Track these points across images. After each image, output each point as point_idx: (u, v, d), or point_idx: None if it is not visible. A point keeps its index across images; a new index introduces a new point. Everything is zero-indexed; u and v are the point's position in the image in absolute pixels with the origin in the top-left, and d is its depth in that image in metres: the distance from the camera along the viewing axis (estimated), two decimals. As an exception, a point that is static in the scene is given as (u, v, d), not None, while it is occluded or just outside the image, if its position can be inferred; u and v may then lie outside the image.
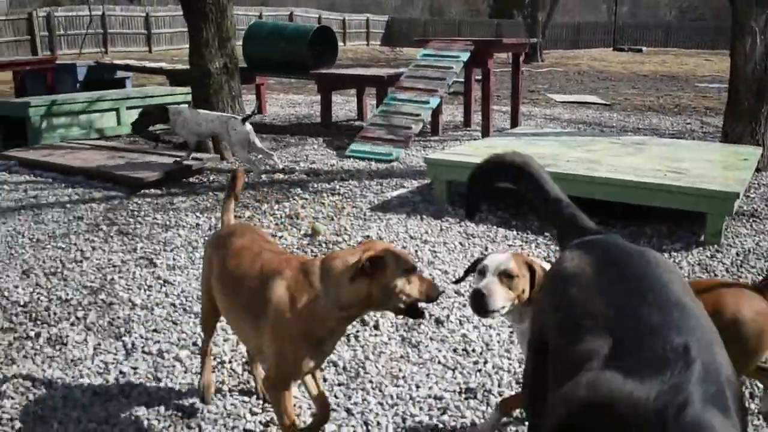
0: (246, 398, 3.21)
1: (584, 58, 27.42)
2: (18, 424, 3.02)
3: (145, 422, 3.02)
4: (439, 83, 9.14)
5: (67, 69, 12.76)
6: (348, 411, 3.11)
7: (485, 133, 9.57)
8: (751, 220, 5.85)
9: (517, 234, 5.43)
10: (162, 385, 3.32)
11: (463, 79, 10.94)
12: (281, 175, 7.21)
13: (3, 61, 14.00)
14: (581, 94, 15.88)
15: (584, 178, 5.60)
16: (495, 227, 5.58)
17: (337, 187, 6.79)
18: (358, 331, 3.84)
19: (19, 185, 7.13)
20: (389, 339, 3.78)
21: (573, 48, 35.21)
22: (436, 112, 9.67)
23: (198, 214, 5.95)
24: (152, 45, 30.06)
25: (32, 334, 3.84)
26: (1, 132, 9.17)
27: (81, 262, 4.91)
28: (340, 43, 24.75)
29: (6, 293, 4.40)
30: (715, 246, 5.14)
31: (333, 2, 55.28)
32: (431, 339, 3.78)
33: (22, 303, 4.24)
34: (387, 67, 14.47)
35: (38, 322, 3.99)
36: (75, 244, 5.26)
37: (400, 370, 3.46)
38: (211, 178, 7.14)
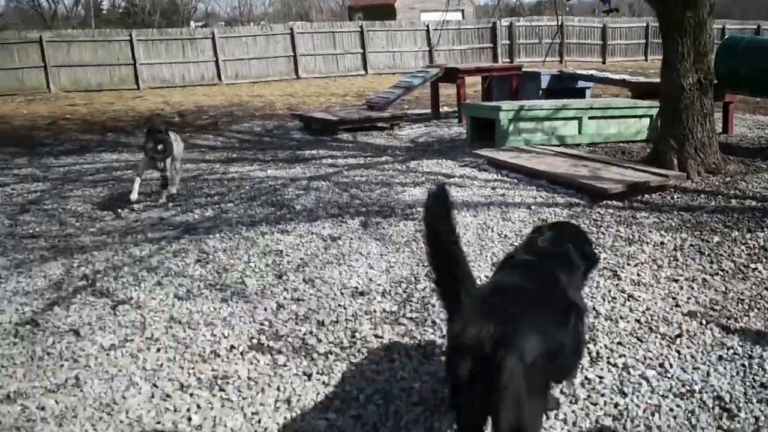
0: (722, 434, 3.05)
1: None
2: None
3: (616, 434, 3.04)
4: None
5: (531, 76, 13.40)
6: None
7: None
8: None
9: None
10: (627, 400, 3.31)
11: None
12: (752, 202, 6.72)
13: (474, 67, 15.15)
14: None
15: None
16: None
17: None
18: None
19: (488, 183, 7.66)
20: None
21: None
22: None
23: (663, 232, 5.80)
24: (606, 55, 30.20)
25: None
26: (473, 131, 9.96)
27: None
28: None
29: (478, 281, 4.75)
30: None
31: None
32: None
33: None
34: None
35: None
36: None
37: None
38: (675, 197, 6.92)
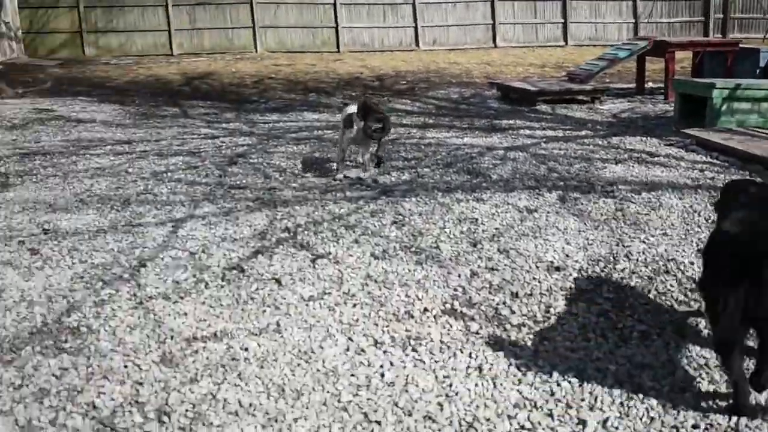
0: None
1: None
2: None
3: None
4: None
5: (748, 53, 12.47)
6: None
7: None
8: None
9: None
10: None
11: None
12: None
13: (686, 41, 14.31)
14: None
15: None
16: None
17: None
18: None
19: (695, 164, 7.24)
20: None
21: None
22: None
23: None
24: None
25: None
26: (682, 109, 9.43)
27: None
28: None
29: (682, 267, 4.50)
30: None
31: None
32: None
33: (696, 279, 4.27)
34: None
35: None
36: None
37: None
38: None
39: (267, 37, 23.19)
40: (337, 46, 23.44)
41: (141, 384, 3.22)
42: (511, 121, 9.97)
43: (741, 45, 13.26)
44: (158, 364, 3.41)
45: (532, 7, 24.95)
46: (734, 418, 2.91)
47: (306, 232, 5.27)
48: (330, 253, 4.85)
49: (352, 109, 6.93)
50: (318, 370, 3.36)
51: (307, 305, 4.06)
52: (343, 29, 23.60)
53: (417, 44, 24.09)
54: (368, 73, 16.78)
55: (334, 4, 23.46)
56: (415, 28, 24.14)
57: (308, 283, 4.36)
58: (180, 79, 15.52)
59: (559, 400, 3.09)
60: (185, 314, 3.94)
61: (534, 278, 4.42)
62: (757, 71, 12.06)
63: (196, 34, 22.54)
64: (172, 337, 3.66)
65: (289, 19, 23.36)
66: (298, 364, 3.41)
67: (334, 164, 7.13)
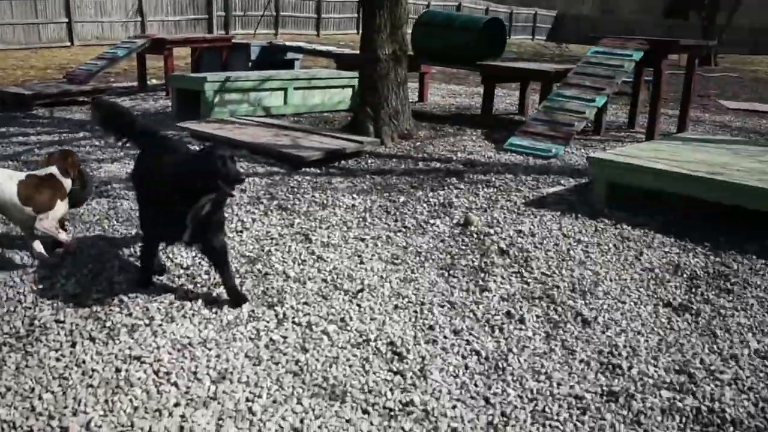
0: (389, 377, 3.28)
1: (761, 64, 25.84)
2: (174, 378, 3.23)
3: (290, 389, 3.15)
4: (607, 81, 8.91)
5: (241, 48, 13.36)
6: (486, 400, 3.13)
7: (650, 135, 9.25)
8: None
9: (675, 241, 5.23)
10: (308, 355, 3.45)
11: (630, 79, 10.59)
12: (437, 164, 7.27)
13: (182, 38, 14.80)
14: (755, 102, 14.99)
15: (754, 189, 5.30)
16: (652, 232, 5.39)
17: (493, 179, 6.77)
18: (503, 323, 3.85)
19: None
20: (534, 334, 3.76)
21: (751, 53, 33.21)
22: (601, 112, 9.42)
23: (355, 195, 6.10)
24: (321, 29, 30.89)
25: (192, 295, 4.08)
26: (179, 103, 9.75)
27: (241, 232, 5.15)
28: (506, 36, 24.51)
29: (170, 255, 4.70)
30: None
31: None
32: (577, 338, 3.72)
33: (184, 266, 4.50)
34: (551, 63, 14.22)
35: (197, 285, 4.23)
36: (237, 215, 5.52)
37: (542, 365, 3.43)
38: (369, 162, 7.29)
39: None
40: None
41: None
42: (3, 129, 9.33)
43: (234, 41, 14.14)
44: None
45: (32, 6, 23.59)
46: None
47: None
48: None
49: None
50: None
51: None
52: None
53: None
54: None
55: None
56: None
57: None
58: None
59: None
60: None
61: None
62: (250, 64, 13.00)
63: None
64: None
65: None
66: None
67: None
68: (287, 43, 14.34)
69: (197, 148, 4.22)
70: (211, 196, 3.72)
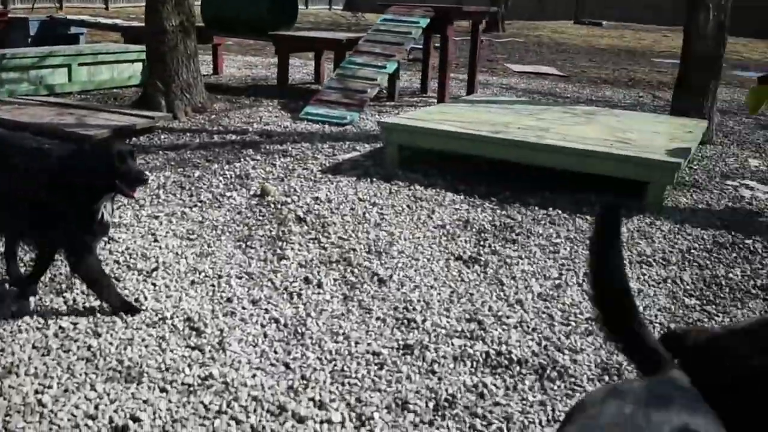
0: (186, 353, 3.23)
1: (545, 29, 27.45)
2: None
3: (82, 376, 3.03)
4: (396, 48, 9.13)
5: (18, 24, 12.47)
6: (287, 365, 3.15)
7: (441, 99, 9.60)
8: (691, 191, 5.99)
9: (465, 198, 5.50)
10: (102, 340, 3.32)
11: (421, 46, 10.93)
12: (233, 136, 7.18)
13: (-49, 14, 13.60)
14: (539, 65, 15.95)
15: (533, 145, 5.66)
16: (443, 191, 5.63)
17: (290, 148, 6.78)
18: (301, 289, 3.89)
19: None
20: (331, 297, 3.83)
21: (535, 19, 35.18)
22: (393, 78, 9.66)
23: (147, 172, 5.88)
24: (110, 2, 29.42)
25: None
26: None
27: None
28: (302, 7, 24.53)
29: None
30: (656, 214, 5.27)
31: (296, -35, 54.39)
32: (373, 297, 3.83)
33: None
34: (348, 32, 14.39)
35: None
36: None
37: (340, 327, 3.51)
38: (162, 137, 7.07)
39: None
40: None
41: None
42: None
43: (10, 15, 13.17)
44: None
45: None
46: None
47: None
48: None
49: None
50: None
51: None
52: None
53: None
54: None
55: None
56: None
57: None
58: None
59: None
60: None
61: None
62: (29, 40, 12.16)
63: None
64: None
65: None
66: None
67: None
68: (69, 17, 13.55)
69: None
70: (110, 195, 3.51)
